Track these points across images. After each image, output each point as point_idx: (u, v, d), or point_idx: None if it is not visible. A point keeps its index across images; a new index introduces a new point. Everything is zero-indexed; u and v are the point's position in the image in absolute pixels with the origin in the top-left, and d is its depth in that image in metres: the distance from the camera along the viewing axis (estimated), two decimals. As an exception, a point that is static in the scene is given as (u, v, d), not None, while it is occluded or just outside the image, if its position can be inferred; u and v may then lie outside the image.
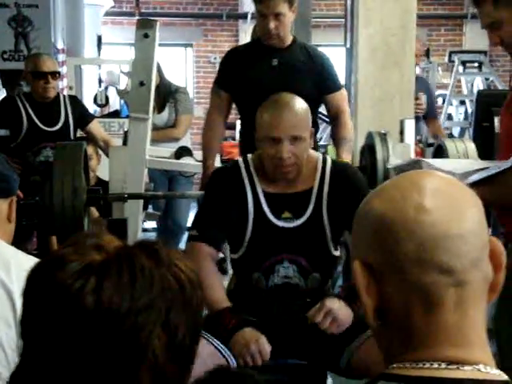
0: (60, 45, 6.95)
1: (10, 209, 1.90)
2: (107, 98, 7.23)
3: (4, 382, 1.59)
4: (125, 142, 4.56)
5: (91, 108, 6.58)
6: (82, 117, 4.75)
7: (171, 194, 5.27)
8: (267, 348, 2.33)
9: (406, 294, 0.95)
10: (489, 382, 0.94)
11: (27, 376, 0.93)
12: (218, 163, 3.94)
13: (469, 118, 8.16)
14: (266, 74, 3.50)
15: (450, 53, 9.27)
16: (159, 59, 4.57)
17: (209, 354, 2.30)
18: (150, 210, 5.69)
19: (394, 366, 0.97)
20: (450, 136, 7.49)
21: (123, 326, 0.88)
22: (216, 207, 2.58)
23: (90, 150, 4.49)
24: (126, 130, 5.22)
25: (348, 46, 4.86)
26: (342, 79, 4.13)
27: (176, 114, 5.36)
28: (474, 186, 1.95)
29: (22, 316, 0.95)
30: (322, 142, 6.59)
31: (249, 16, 9.83)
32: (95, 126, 4.80)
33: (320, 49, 3.83)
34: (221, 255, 3.83)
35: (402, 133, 4.28)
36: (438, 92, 8.86)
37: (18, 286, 1.70)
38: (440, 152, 3.64)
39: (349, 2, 4.87)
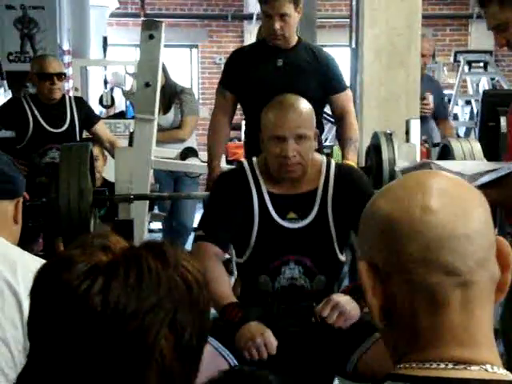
0: (66, 46, 6.97)
1: (17, 210, 1.90)
2: (113, 99, 7.24)
3: None
4: (130, 143, 4.56)
5: (97, 109, 6.59)
6: (88, 118, 4.76)
7: (177, 195, 5.28)
8: (273, 341, 2.31)
9: (412, 295, 0.95)
10: (496, 382, 0.94)
11: (34, 377, 0.93)
12: (223, 164, 3.95)
13: (474, 118, 8.15)
14: (271, 74, 3.50)
15: (456, 53, 9.26)
16: (164, 60, 4.58)
17: (209, 355, 2.30)
18: (156, 210, 5.70)
19: (401, 366, 0.97)
20: (456, 136, 7.47)
21: (130, 327, 0.88)
22: (222, 208, 2.59)
23: (96, 151, 4.50)
24: (131, 131, 5.22)
25: (353, 46, 4.85)
26: (347, 79, 4.13)
27: (181, 115, 5.36)
28: (482, 187, 1.94)
29: (29, 317, 0.95)
30: (327, 143, 6.58)
31: (254, 17, 9.84)
32: (101, 127, 4.81)
33: (325, 49, 3.83)
34: (227, 256, 3.83)
35: (407, 133, 4.28)
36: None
37: (24, 287, 1.70)
38: (446, 152, 3.64)
39: (354, 2, 4.87)
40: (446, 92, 9.15)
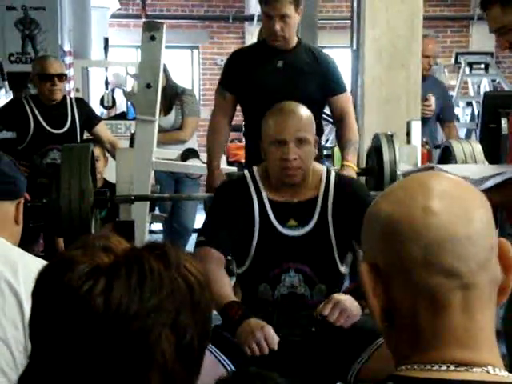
0: (67, 47, 6.97)
1: (18, 211, 1.91)
2: (114, 100, 7.25)
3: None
4: (131, 144, 4.57)
5: (98, 110, 6.59)
6: (89, 119, 4.76)
7: (178, 196, 5.28)
8: (274, 335, 2.30)
9: (413, 296, 0.95)
10: (497, 384, 0.94)
11: (35, 378, 0.93)
12: (223, 165, 3.95)
13: (475, 120, 8.14)
14: (271, 75, 3.50)
15: (457, 54, 9.26)
16: (165, 61, 4.58)
17: (208, 363, 2.29)
18: (157, 211, 5.70)
19: (403, 367, 0.97)
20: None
21: (132, 328, 0.88)
22: (223, 216, 2.62)
23: (97, 151, 4.50)
24: (132, 132, 5.24)
25: (354, 47, 4.85)
26: (348, 81, 4.13)
27: (182, 116, 5.36)
28: (487, 191, 1.94)
29: (31, 318, 0.95)
30: (328, 144, 6.58)
31: (255, 18, 9.84)
32: (102, 128, 4.81)
33: (326, 51, 3.83)
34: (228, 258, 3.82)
35: (408, 134, 4.28)
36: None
37: (25, 288, 1.70)
38: (447, 154, 3.64)
39: (355, 4, 4.87)
40: (447, 93, 9.18)
